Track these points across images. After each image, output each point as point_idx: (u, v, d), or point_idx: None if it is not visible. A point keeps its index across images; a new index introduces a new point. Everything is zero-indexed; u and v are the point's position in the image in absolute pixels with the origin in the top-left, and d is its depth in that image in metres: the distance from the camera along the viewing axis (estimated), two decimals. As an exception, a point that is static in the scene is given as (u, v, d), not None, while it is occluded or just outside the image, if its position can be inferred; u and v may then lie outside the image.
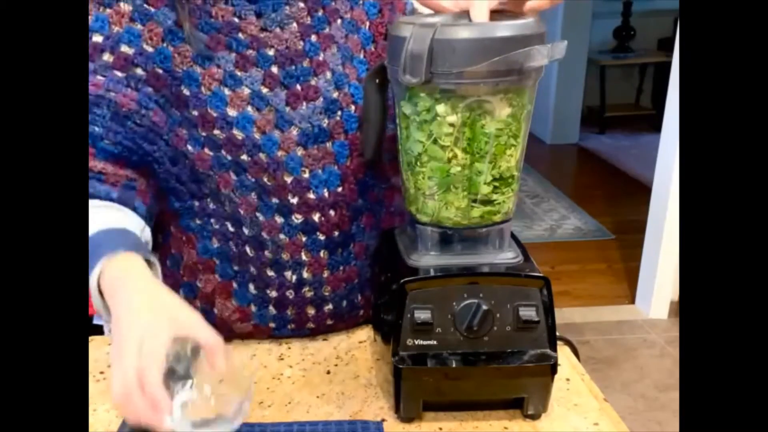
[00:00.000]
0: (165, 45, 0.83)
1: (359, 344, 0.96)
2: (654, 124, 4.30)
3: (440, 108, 0.74)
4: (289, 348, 0.96)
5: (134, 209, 0.84)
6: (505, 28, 0.71)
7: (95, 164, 0.83)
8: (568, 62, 4.44)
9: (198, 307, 0.94)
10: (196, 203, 0.89)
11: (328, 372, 0.91)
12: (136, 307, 0.70)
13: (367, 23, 0.93)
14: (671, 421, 2.25)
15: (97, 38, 0.82)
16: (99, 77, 0.82)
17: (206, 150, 0.86)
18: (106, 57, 0.82)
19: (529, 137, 0.80)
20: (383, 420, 0.81)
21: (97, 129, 0.82)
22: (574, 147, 5.09)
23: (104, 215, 0.81)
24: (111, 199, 0.83)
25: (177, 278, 0.94)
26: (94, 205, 0.82)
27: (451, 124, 0.75)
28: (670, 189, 2.63)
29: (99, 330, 1.02)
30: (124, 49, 0.82)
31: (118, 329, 0.69)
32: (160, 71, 0.83)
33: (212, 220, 0.90)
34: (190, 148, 0.86)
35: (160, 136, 0.85)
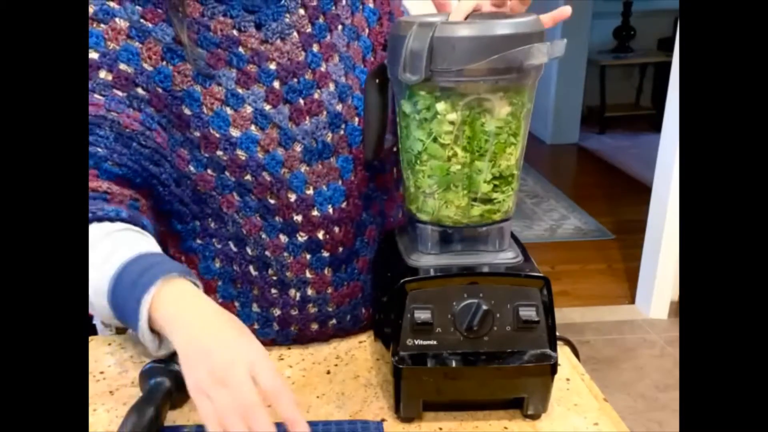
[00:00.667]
0: (164, 64, 0.81)
1: (359, 344, 0.96)
2: (654, 124, 4.30)
3: (440, 106, 0.74)
4: (289, 348, 0.95)
5: (144, 227, 0.81)
6: (504, 26, 0.71)
7: (100, 184, 0.79)
8: (568, 62, 4.47)
9: None
10: (198, 223, 0.88)
11: (328, 372, 0.90)
12: (221, 328, 0.68)
13: (367, 30, 0.92)
14: (671, 421, 2.25)
15: (92, 55, 0.79)
16: (98, 96, 0.79)
17: (209, 171, 0.84)
18: (103, 75, 0.79)
19: (529, 137, 0.80)
20: (383, 420, 0.81)
21: (100, 150, 0.79)
22: (574, 147, 5.09)
23: (132, 238, 0.78)
24: (122, 219, 0.79)
25: None
26: (114, 228, 0.78)
27: (451, 123, 0.75)
28: (670, 189, 2.63)
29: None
30: (123, 67, 0.80)
31: (201, 353, 0.66)
32: (160, 91, 0.81)
33: (214, 240, 0.88)
34: (192, 169, 0.84)
35: (165, 158, 0.83)
